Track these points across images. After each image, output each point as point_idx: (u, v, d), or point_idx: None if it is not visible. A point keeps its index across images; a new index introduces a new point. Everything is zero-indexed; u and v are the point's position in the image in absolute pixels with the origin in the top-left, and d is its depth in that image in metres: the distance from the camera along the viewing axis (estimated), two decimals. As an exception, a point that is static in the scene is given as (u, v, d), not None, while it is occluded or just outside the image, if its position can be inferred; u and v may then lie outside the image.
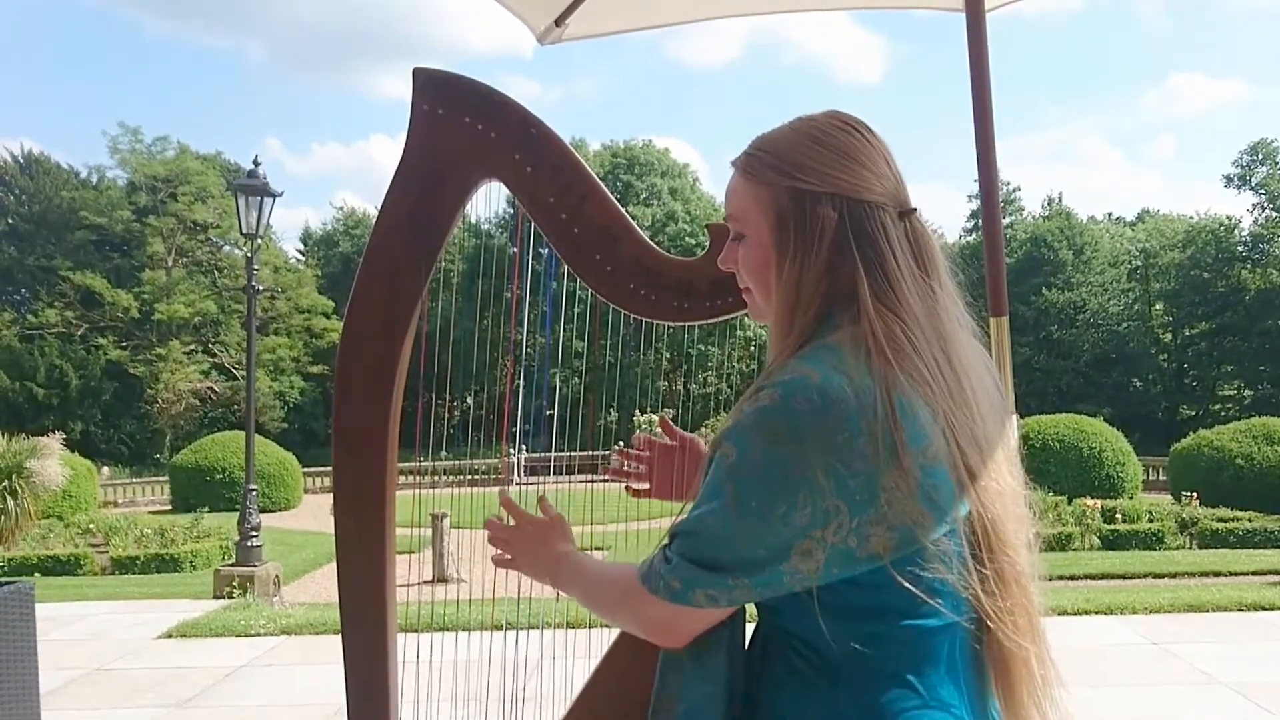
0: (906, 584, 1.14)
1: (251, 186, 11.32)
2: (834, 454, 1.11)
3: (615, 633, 1.81)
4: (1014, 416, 1.38)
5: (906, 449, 1.12)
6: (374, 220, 1.87)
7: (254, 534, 10.69)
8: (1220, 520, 14.25)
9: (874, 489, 1.11)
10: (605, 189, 1.82)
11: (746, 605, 1.22)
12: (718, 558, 1.15)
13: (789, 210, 1.26)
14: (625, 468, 1.84)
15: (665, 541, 1.22)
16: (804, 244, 1.24)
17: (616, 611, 1.30)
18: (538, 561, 1.47)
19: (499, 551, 1.53)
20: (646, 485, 1.82)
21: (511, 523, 1.52)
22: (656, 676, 1.29)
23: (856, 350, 1.18)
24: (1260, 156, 41.80)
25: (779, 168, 1.27)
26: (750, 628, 1.32)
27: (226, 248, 43.46)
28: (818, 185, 1.24)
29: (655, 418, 1.88)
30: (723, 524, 1.15)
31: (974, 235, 41.39)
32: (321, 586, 11.79)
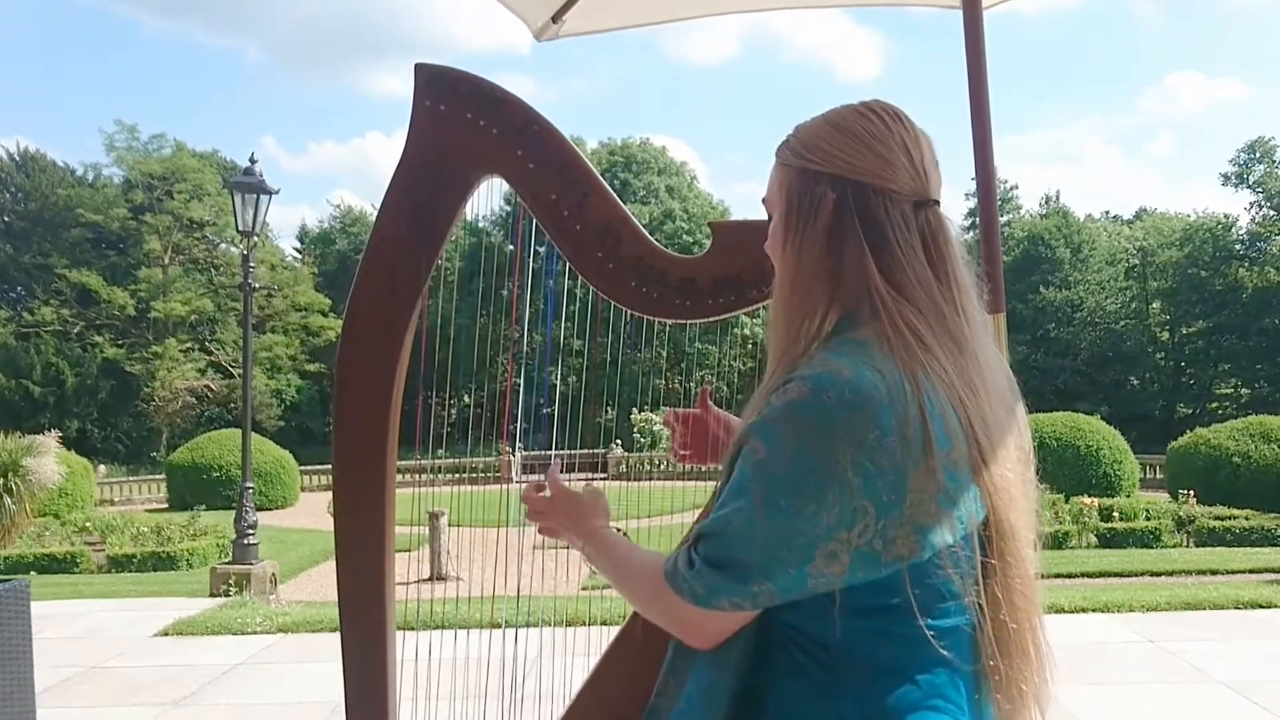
0: (919, 585, 1.14)
1: (248, 184, 11.30)
2: (865, 452, 1.10)
3: (615, 631, 1.81)
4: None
5: (934, 449, 1.11)
6: (372, 218, 1.87)
7: (250, 532, 10.67)
8: (1217, 518, 14.26)
9: (902, 490, 1.10)
10: (608, 186, 1.81)
11: None
12: (744, 558, 1.14)
13: (795, 189, 1.27)
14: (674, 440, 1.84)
15: (690, 541, 1.21)
16: (802, 222, 1.25)
17: (647, 607, 1.28)
18: (569, 533, 1.47)
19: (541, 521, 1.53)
20: (688, 453, 1.82)
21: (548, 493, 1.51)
22: (667, 658, 1.29)
23: (881, 346, 1.17)
24: (1258, 155, 41.83)
25: (796, 150, 1.29)
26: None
27: (223, 246, 43.40)
28: (821, 165, 1.25)
29: (653, 416, 1.89)
30: (749, 523, 1.13)
31: (971, 233, 41.09)
32: (318, 585, 11.77)
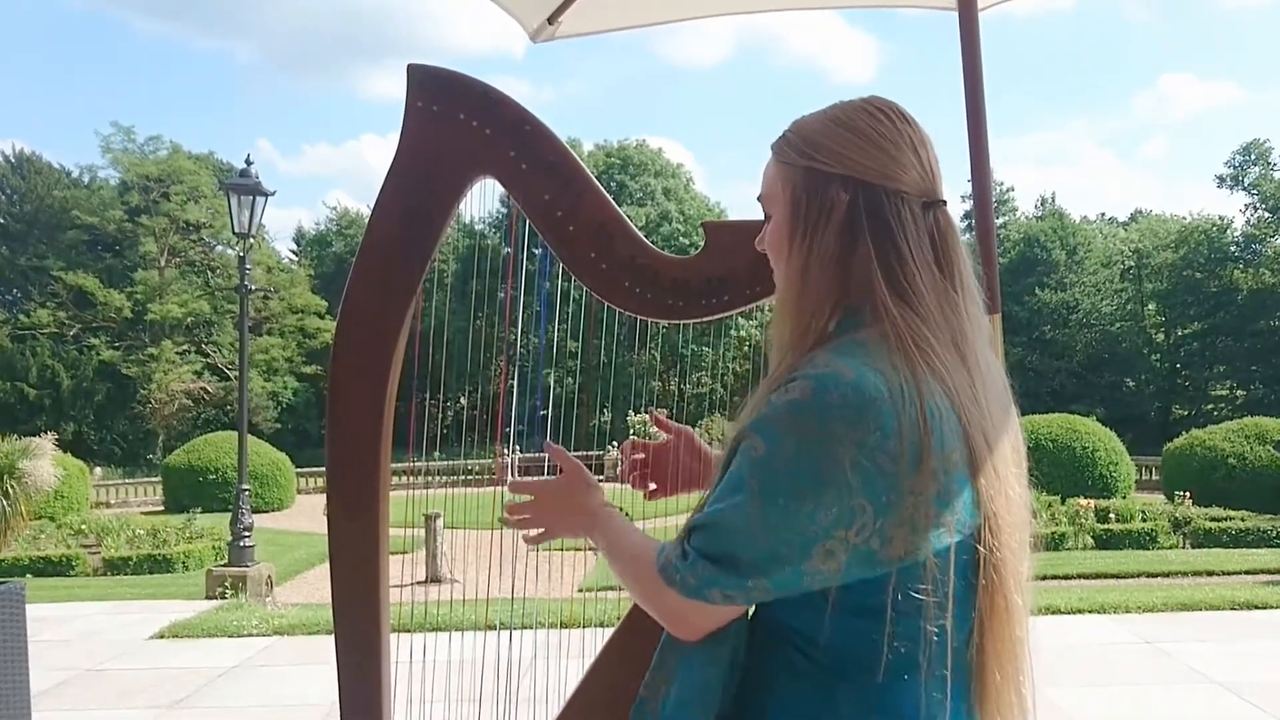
0: (911, 587, 1.14)
1: (244, 186, 11.30)
2: (864, 452, 1.09)
3: (608, 633, 1.81)
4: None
5: (933, 453, 1.11)
6: (367, 219, 1.87)
7: (247, 534, 10.66)
8: (1213, 520, 14.26)
9: (900, 491, 1.10)
10: (600, 186, 1.81)
11: None
12: (737, 554, 1.13)
13: (802, 190, 1.25)
14: (632, 475, 1.79)
15: (683, 534, 1.20)
16: (812, 224, 1.23)
17: (637, 593, 1.28)
18: (571, 521, 1.45)
19: (529, 531, 1.50)
20: (654, 486, 1.78)
21: (527, 497, 1.49)
22: (656, 654, 1.28)
23: (884, 347, 1.16)
24: (1252, 157, 41.85)
25: (800, 148, 1.27)
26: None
27: (219, 248, 43.29)
28: (832, 166, 1.23)
29: (646, 416, 1.87)
30: (745, 519, 1.13)
31: (967, 235, 41.11)
32: (314, 587, 11.75)
